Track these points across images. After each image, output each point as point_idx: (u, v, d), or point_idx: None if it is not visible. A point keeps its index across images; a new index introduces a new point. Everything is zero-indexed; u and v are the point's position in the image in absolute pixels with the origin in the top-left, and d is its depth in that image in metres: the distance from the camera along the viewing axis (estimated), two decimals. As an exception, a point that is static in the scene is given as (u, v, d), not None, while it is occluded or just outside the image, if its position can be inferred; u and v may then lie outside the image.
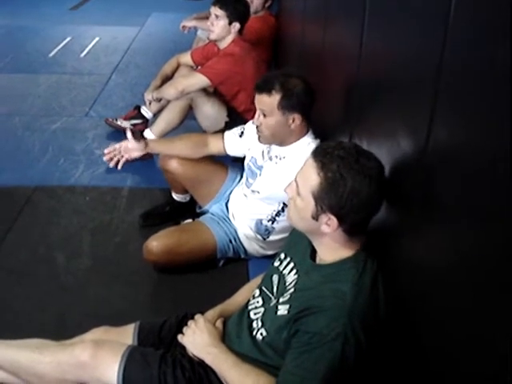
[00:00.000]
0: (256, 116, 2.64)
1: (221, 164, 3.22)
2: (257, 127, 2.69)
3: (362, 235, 1.78)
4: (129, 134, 3.04)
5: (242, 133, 3.03)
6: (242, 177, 3.12)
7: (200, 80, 3.86)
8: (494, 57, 1.13)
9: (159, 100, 4.09)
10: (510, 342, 1.03)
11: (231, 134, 3.06)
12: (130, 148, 3.03)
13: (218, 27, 3.98)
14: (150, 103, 4.19)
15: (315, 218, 1.70)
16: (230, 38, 4.01)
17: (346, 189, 1.62)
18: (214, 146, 3.09)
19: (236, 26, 3.97)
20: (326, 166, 1.66)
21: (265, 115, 2.60)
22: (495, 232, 1.11)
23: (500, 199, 1.09)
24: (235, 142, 3.05)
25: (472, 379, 1.20)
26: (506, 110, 1.05)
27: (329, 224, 1.68)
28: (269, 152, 2.79)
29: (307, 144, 2.62)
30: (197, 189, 3.21)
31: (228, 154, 3.11)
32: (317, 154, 1.71)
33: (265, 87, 2.59)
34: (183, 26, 5.10)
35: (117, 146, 3.08)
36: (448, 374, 1.32)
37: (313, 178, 1.67)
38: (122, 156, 3.05)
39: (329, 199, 1.65)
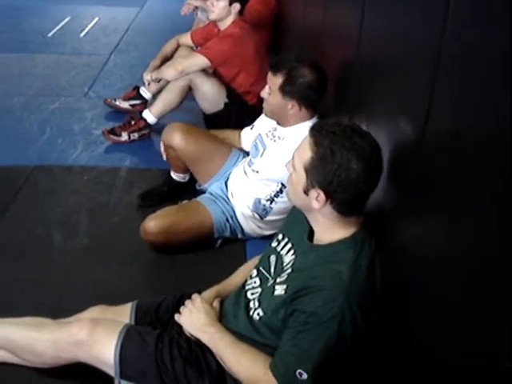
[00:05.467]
0: (265, 88, 2.72)
1: (224, 144, 3.24)
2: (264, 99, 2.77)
3: (358, 216, 1.78)
4: None
5: (253, 126, 3.13)
6: (243, 158, 3.15)
7: (200, 61, 3.83)
8: (494, 39, 1.13)
9: (158, 80, 4.07)
10: (503, 328, 1.04)
11: (245, 130, 3.18)
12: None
13: (218, 8, 3.95)
14: (148, 84, 4.17)
15: (306, 192, 1.72)
16: (230, 19, 3.98)
17: (335, 164, 1.64)
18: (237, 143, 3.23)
19: (236, 6, 3.94)
20: (319, 141, 1.68)
21: (270, 92, 2.68)
22: (493, 215, 1.11)
23: (499, 183, 1.08)
24: (248, 136, 3.14)
25: (465, 365, 1.21)
26: (505, 92, 1.05)
27: (318, 200, 1.69)
28: (274, 131, 2.82)
29: (308, 127, 2.61)
30: (198, 166, 3.21)
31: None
32: (313, 130, 1.73)
33: (274, 66, 2.67)
34: (189, 3, 5.06)
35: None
36: (440, 356, 1.32)
37: (306, 152, 1.70)
38: None
39: (317, 174, 1.67)
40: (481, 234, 1.15)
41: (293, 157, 1.78)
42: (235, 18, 3.97)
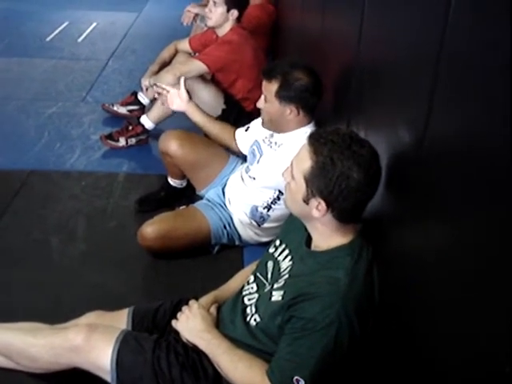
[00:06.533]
0: (260, 98, 2.70)
1: (222, 149, 3.23)
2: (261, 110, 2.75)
3: (356, 223, 1.78)
4: (182, 82, 3.19)
5: (248, 127, 3.11)
6: (241, 164, 3.14)
7: (198, 67, 3.84)
8: (494, 45, 1.13)
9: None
10: (503, 333, 1.03)
11: (240, 131, 3.15)
12: (178, 95, 3.18)
13: (216, 14, 3.95)
14: (146, 89, 4.17)
15: (306, 201, 1.71)
16: (228, 26, 3.98)
17: (335, 173, 1.63)
18: (233, 144, 3.19)
19: (234, 13, 3.94)
20: (318, 149, 1.67)
21: (266, 100, 2.65)
22: (492, 222, 1.11)
23: (498, 189, 1.08)
24: (244, 137, 3.11)
25: (463, 369, 1.21)
26: (504, 99, 1.05)
27: (319, 209, 1.69)
28: (271, 137, 2.82)
29: (304, 133, 2.62)
30: (195, 173, 3.20)
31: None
32: (311, 138, 1.72)
33: (268, 73, 2.64)
34: (188, 11, 5.06)
35: (167, 88, 3.24)
36: (439, 363, 1.32)
37: (305, 161, 1.69)
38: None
39: (318, 183, 1.66)
40: (481, 239, 1.15)
41: (291, 165, 1.78)
42: (233, 24, 3.98)
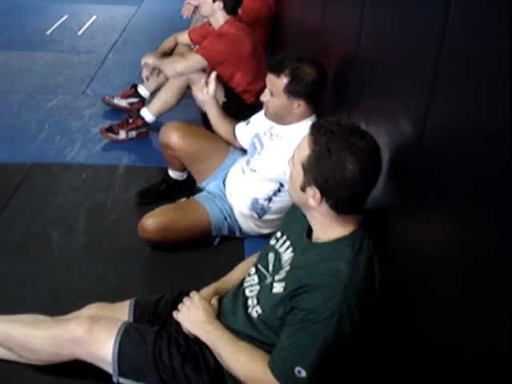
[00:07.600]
0: (264, 92, 2.69)
1: (223, 142, 3.23)
2: (264, 103, 2.73)
3: (357, 214, 1.78)
4: (213, 76, 3.20)
5: (249, 121, 3.11)
6: (242, 157, 3.13)
7: (198, 61, 3.82)
8: (494, 38, 1.13)
9: (158, 73, 4.07)
10: (503, 327, 1.04)
11: (240, 125, 3.16)
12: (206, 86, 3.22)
13: (205, 3, 3.96)
14: (147, 78, 4.17)
15: (303, 189, 1.72)
16: (220, 17, 3.95)
17: (330, 164, 1.64)
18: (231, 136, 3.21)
19: (220, 4, 3.91)
20: (317, 139, 1.68)
21: (272, 94, 2.64)
22: (493, 213, 1.11)
23: (498, 179, 1.08)
24: (244, 131, 3.12)
25: (464, 364, 1.21)
26: (504, 90, 1.05)
27: (314, 198, 1.69)
28: (271, 129, 2.81)
29: (305, 125, 2.61)
30: (195, 165, 3.20)
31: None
32: (313, 128, 1.73)
33: (275, 68, 2.62)
34: (188, 3, 5.06)
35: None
36: (438, 356, 1.32)
37: (304, 150, 1.70)
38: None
39: (314, 172, 1.67)
40: (482, 231, 1.16)
41: (293, 154, 1.78)
42: (225, 16, 3.95)
